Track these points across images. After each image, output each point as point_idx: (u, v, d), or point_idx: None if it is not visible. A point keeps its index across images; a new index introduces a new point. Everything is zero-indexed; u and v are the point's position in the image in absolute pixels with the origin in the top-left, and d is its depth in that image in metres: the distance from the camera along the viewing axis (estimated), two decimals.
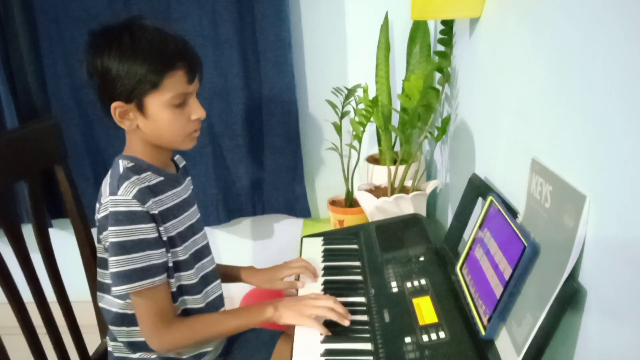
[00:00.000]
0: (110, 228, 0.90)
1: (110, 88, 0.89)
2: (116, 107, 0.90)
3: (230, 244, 1.98)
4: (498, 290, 0.77)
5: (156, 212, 0.93)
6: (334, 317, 0.94)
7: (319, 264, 1.19)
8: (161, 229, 0.94)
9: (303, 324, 0.94)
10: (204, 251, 1.08)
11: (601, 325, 0.63)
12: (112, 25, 0.91)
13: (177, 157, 1.10)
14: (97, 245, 1.00)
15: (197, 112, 0.95)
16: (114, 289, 0.92)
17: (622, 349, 0.58)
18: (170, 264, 0.97)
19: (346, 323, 0.94)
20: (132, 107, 0.91)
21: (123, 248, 0.90)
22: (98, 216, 0.94)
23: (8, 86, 1.65)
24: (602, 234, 0.62)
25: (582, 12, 0.67)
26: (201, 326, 0.98)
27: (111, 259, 0.91)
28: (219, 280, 1.11)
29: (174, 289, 0.99)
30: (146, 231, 0.91)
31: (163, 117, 0.92)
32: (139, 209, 0.90)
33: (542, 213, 0.75)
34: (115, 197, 0.90)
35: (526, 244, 0.73)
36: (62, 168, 1.13)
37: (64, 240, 1.41)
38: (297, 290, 1.13)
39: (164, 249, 0.94)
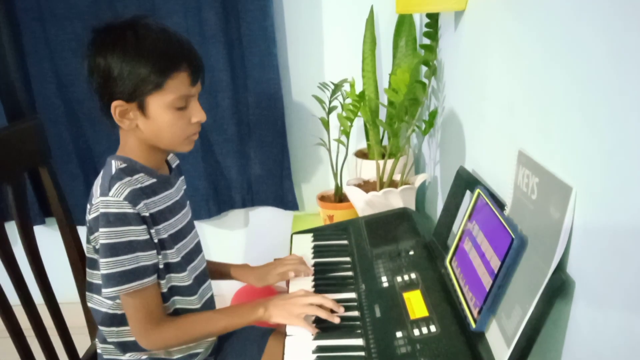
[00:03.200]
0: (101, 229, 0.89)
1: (112, 87, 0.88)
2: (117, 106, 0.89)
3: (220, 237, 1.97)
4: (487, 282, 0.78)
5: (147, 214, 0.92)
6: (323, 315, 0.94)
7: (309, 260, 1.19)
8: (152, 231, 0.93)
9: (293, 323, 0.94)
10: (196, 251, 1.07)
11: (590, 314, 0.63)
12: (116, 24, 0.90)
13: (170, 157, 1.08)
14: (86, 245, 0.99)
15: (198, 114, 0.94)
16: (104, 290, 0.91)
17: (611, 338, 0.59)
18: (161, 266, 0.96)
19: (336, 321, 0.93)
20: (133, 107, 0.90)
21: (113, 250, 0.89)
22: (89, 217, 0.93)
23: None
24: (589, 225, 0.62)
25: (567, 3, 0.67)
26: (190, 325, 0.98)
27: (102, 260, 0.90)
28: (210, 280, 1.11)
29: (165, 290, 0.98)
30: (137, 233, 0.90)
31: (164, 119, 0.91)
32: (130, 210, 0.89)
33: (529, 205, 0.75)
34: (106, 198, 0.89)
35: (514, 236, 0.73)
36: (47, 169, 1.11)
37: (53, 241, 1.39)
38: (287, 282, 1.13)
39: (154, 251, 0.94)
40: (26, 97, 1.68)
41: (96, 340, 1.07)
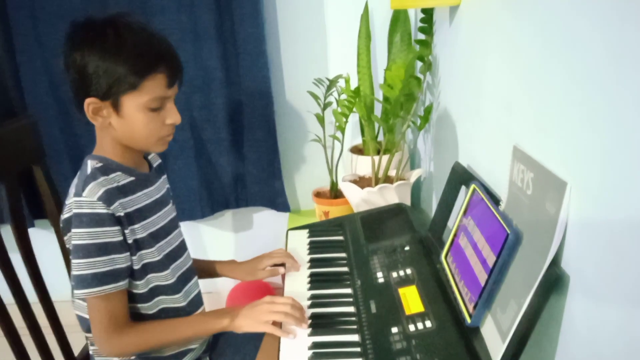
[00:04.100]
0: (73, 230, 0.88)
1: (87, 83, 0.87)
2: (90, 102, 0.88)
3: (214, 238, 1.96)
4: (482, 277, 0.78)
5: (122, 214, 0.91)
6: (291, 322, 0.91)
7: (304, 256, 1.18)
8: (127, 231, 0.92)
9: (261, 330, 0.92)
10: (180, 250, 1.06)
11: (585, 308, 0.64)
12: (97, 19, 0.89)
13: (151, 156, 1.07)
14: (67, 247, 0.97)
15: (172, 117, 0.93)
16: (75, 291, 0.90)
17: (605, 331, 0.59)
18: (138, 267, 0.95)
19: (304, 327, 0.92)
20: (107, 105, 0.89)
21: (85, 251, 0.88)
22: (62, 217, 0.93)
23: None
24: (584, 220, 0.62)
25: (562, 0, 0.67)
26: (152, 334, 0.95)
27: (74, 261, 0.89)
28: (196, 278, 1.10)
29: (145, 290, 0.97)
30: (110, 234, 0.89)
31: (137, 119, 0.90)
32: (104, 211, 0.88)
33: (525, 200, 0.75)
34: (79, 198, 0.88)
35: (509, 232, 0.73)
36: (40, 168, 1.11)
37: (46, 240, 1.39)
38: (283, 278, 1.12)
39: (127, 253, 0.93)
40: (17, 96, 1.67)
41: (88, 341, 1.06)
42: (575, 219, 0.64)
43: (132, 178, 0.96)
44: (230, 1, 1.59)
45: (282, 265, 1.14)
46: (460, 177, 1.05)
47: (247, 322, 0.93)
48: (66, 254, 1.15)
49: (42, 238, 1.35)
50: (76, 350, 1.15)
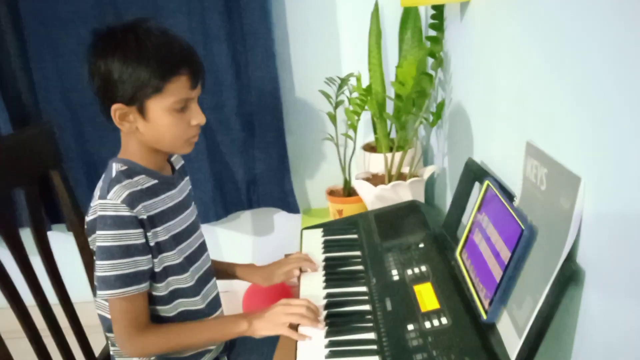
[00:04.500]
0: (97, 232, 0.90)
1: (112, 90, 0.89)
2: (116, 109, 0.90)
3: (230, 239, 1.98)
4: (498, 274, 0.78)
5: (145, 216, 0.92)
6: (306, 323, 0.92)
7: (319, 255, 1.19)
8: (149, 234, 0.94)
9: (278, 333, 0.94)
10: (200, 252, 1.07)
11: (601, 303, 0.63)
12: (117, 27, 0.90)
13: (174, 158, 1.09)
14: (91, 248, 1.00)
15: (197, 117, 0.95)
16: (99, 292, 0.92)
17: (622, 326, 0.59)
18: (159, 269, 0.96)
19: (320, 327, 0.93)
20: (133, 110, 0.90)
21: (109, 253, 0.90)
22: (87, 219, 0.94)
23: (0, 92, 1.64)
24: (599, 215, 0.62)
25: None
26: (173, 336, 0.97)
27: (98, 262, 0.91)
28: (214, 279, 1.11)
29: (165, 293, 0.98)
30: (134, 237, 0.91)
31: (163, 122, 0.91)
32: (127, 213, 0.90)
33: (539, 196, 0.75)
34: (104, 200, 0.90)
35: (523, 227, 0.73)
36: (58, 172, 1.13)
37: (65, 243, 1.41)
38: (298, 281, 1.13)
39: (149, 256, 0.94)
40: (31, 102, 1.69)
41: (109, 341, 1.08)
42: (590, 214, 0.64)
43: (156, 181, 0.98)
44: (239, 3, 1.60)
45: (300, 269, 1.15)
46: (474, 173, 1.05)
47: (265, 325, 0.94)
48: (85, 256, 1.17)
49: (59, 242, 1.37)
50: (97, 351, 1.17)
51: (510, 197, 0.85)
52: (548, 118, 0.75)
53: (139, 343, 0.95)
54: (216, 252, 1.96)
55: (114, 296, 0.91)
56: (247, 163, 1.79)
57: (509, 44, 0.91)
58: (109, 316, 0.99)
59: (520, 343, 0.68)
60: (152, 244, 0.94)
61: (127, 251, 0.90)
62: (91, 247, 0.96)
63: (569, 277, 0.66)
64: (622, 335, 0.59)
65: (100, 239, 0.90)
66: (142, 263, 0.92)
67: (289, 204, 1.82)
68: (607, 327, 0.62)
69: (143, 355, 0.99)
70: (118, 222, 0.89)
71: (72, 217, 1.16)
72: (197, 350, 1.05)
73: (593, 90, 0.62)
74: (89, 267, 1.17)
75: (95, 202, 0.92)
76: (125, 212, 0.89)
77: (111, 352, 1.07)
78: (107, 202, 0.90)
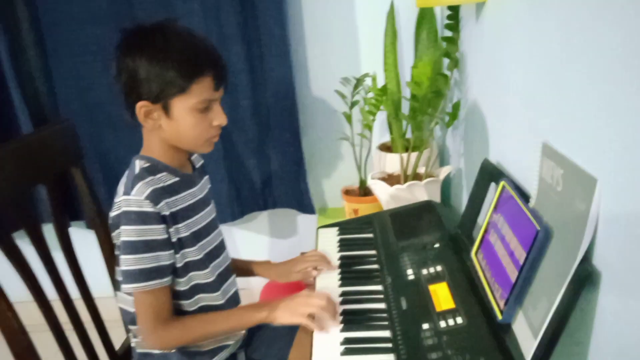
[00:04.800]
0: (122, 227, 0.92)
1: (138, 88, 0.91)
2: (142, 106, 0.92)
3: (247, 240, 1.99)
4: (513, 274, 0.78)
5: (167, 213, 0.95)
6: (326, 316, 0.93)
7: (335, 254, 1.20)
8: (171, 230, 0.96)
9: (297, 322, 0.95)
10: (219, 249, 1.09)
11: (617, 305, 0.63)
12: (145, 26, 0.93)
13: (194, 157, 1.11)
14: (114, 242, 1.02)
15: (219, 118, 0.97)
16: (123, 286, 0.94)
17: (638, 328, 0.59)
18: (180, 264, 0.98)
19: (337, 322, 0.94)
20: (158, 108, 0.93)
21: (133, 247, 0.92)
22: (111, 214, 0.97)
23: (20, 91, 1.67)
24: (615, 216, 0.62)
25: None
26: (196, 326, 0.99)
27: (122, 257, 0.93)
28: (234, 276, 1.13)
29: (186, 288, 1.00)
30: (157, 232, 0.93)
31: (186, 121, 0.93)
32: (151, 209, 0.92)
33: (554, 197, 0.75)
34: (128, 197, 0.92)
35: (539, 228, 0.74)
36: (79, 169, 1.15)
37: (85, 239, 1.44)
38: (314, 279, 1.14)
39: (172, 251, 0.96)
40: (50, 102, 1.71)
41: (130, 333, 1.11)
42: (606, 216, 0.64)
43: (177, 179, 1.00)
44: (254, 3, 1.61)
45: (315, 267, 1.16)
46: (490, 173, 1.05)
47: (284, 314, 0.96)
48: (106, 252, 1.19)
49: (77, 239, 1.39)
50: (116, 345, 1.20)
51: (526, 197, 0.86)
52: (564, 119, 0.75)
53: (163, 335, 0.97)
54: (233, 252, 1.95)
55: (137, 289, 0.93)
56: (263, 163, 1.80)
57: (525, 44, 0.91)
58: (131, 309, 1.02)
59: (535, 344, 0.69)
60: (174, 239, 0.96)
61: (150, 246, 0.92)
62: (115, 242, 0.99)
63: (585, 278, 0.66)
64: (638, 337, 0.59)
65: (125, 234, 0.92)
66: (164, 258, 0.94)
67: (305, 205, 1.83)
68: (623, 329, 0.62)
69: (167, 347, 1.01)
70: (142, 218, 0.92)
71: (93, 214, 1.18)
72: (217, 344, 1.06)
73: (609, 90, 0.62)
74: (109, 263, 1.19)
75: (120, 198, 0.94)
76: (148, 208, 0.92)
77: (132, 344, 1.09)
78: (131, 198, 0.92)
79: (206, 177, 1.12)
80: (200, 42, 0.94)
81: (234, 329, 1.04)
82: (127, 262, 0.93)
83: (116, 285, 1.06)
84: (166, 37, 0.91)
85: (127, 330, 1.14)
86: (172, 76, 0.89)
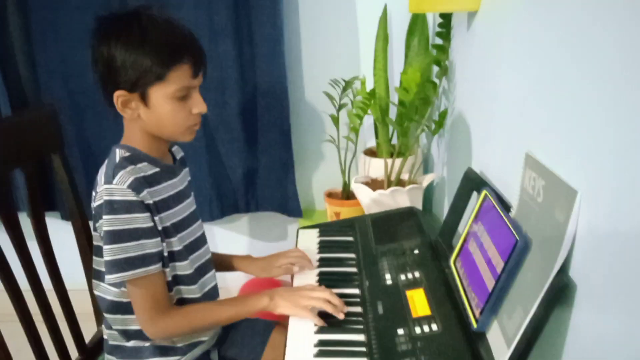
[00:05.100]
0: (104, 216, 0.90)
1: (115, 76, 0.89)
2: (119, 95, 0.90)
3: (227, 240, 1.97)
4: (490, 283, 0.78)
5: (151, 201, 0.93)
6: (329, 309, 0.94)
7: (314, 255, 1.19)
8: (156, 218, 0.95)
9: (298, 314, 0.95)
10: (199, 242, 1.08)
11: (590, 318, 0.64)
12: (121, 13, 0.91)
13: (175, 148, 1.10)
14: (93, 233, 1.00)
15: (198, 106, 0.95)
16: (107, 277, 0.92)
17: (611, 342, 0.59)
18: (165, 254, 0.97)
19: (341, 316, 0.94)
20: (135, 97, 0.91)
21: (117, 236, 0.90)
22: (93, 204, 0.95)
23: (0, 73, 1.65)
24: (593, 229, 0.63)
25: (579, 6, 0.67)
26: (196, 314, 0.99)
27: (105, 247, 0.91)
28: (213, 271, 1.12)
29: (169, 279, 0.99)
30: (141, 220, 0.92)
31: (165, 109, 0.92)
32: (134, 198, 0.90)
33: (535, 207, 0.76)
34: (110, 185, 0.90)
35: (518, 238, 0.74)
36: (59, 156, 1.13)
37: (60, 229, 1.41)
38: (292, 276, 1.13)
39: (158, 238, 0.95)
40: (32, 87, 1.69)
41: (102, 326, 1.09)
42: (585, 228, 0.64)
43: (157, 169, 0.98)
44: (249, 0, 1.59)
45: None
46: (472, 182, 1.05)
47: (286, 304, 0.96)
48: (81, 242, 1.17)
49: (56, 227, 1.37)
50: (87, 338, 1.18)
51: (507, 207, 0.86)
52: (548, 130, 0.76)
53: (162, 325, 0.97)
54: (212, 249, 1.96)
55: (124, 279, 0.92)
56: (248, 164, 1.77)
57: (513, 56, 0.92)
58: (108, 297, 1.00)
59: (509, 353, 0.69)
60: (159, 228, 0.95)
61: (134, 234, 0.91)
62: (97, 232, 0.97)
63: (561, 290, 0.67)
64: (610, 350, 0.60)
65: (107, 223, 0.90)
66: (149, 245, 0.93)
67: (292, 209, 1.80)
68: (597, 342, 0.62)
69: (167, 336, 1.01)
70: (125, 207, 0.90)
71: (71, 202, 1.16)
72: (191, 340, 1.05)
73: (594, 103, 0.62)
74: (84, 254, 1.18)
75: (101, 187, 0.92)
76: (131, 197, 0.90)
77: (105, 336, 1.07)
78: (113, 187, 0.90)
79: (186, 170, 1.11)
80: (177, 29, 0.92)
81: (234, 317, 1.03)
82: (112, 251, 0.91)
83: (93, 275, 1.04)
84: (142, 24, 0.89)
85: (100, 322, 1.12)
86: (148, 64, 0.88)
